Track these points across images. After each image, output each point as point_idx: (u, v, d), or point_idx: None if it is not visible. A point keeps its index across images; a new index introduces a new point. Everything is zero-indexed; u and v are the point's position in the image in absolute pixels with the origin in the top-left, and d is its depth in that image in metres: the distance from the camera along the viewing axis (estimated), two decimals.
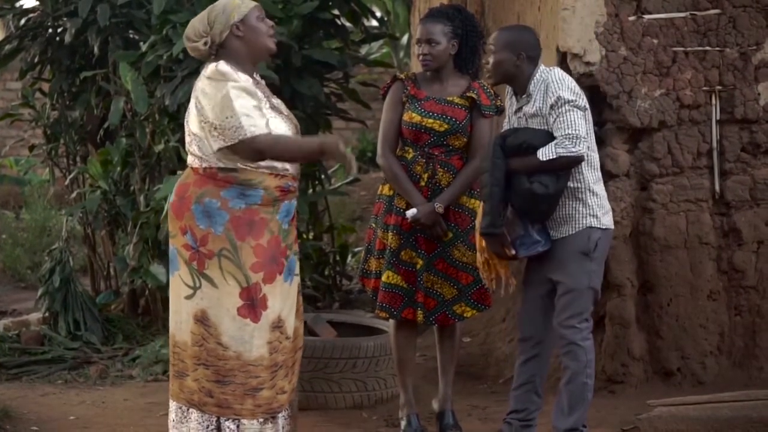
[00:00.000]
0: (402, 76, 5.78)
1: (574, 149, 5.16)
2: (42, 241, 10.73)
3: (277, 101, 5.09)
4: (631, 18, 6.42)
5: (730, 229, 6.56)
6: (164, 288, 7.42)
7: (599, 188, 5.35)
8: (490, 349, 7.21)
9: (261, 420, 4.93)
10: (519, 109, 5.38)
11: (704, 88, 6.51)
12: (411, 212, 5.57)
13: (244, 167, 4.87)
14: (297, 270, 5.10)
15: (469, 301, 5.71)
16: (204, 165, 4.90)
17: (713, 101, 6.51)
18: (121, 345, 7.59)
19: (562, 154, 5.16)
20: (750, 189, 6.56)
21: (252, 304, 4.89)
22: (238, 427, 4.91)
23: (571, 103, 5.21)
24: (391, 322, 5.83)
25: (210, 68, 4.90)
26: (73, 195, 8.36)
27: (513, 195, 5.23)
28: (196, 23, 5.01)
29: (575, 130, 5.17)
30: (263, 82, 5.18)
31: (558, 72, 5.33)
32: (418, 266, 5.65)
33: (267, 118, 4.89)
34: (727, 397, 5.79)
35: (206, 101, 4.86)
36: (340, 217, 10.46)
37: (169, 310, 5.01)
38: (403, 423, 5.85)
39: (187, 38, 5.03)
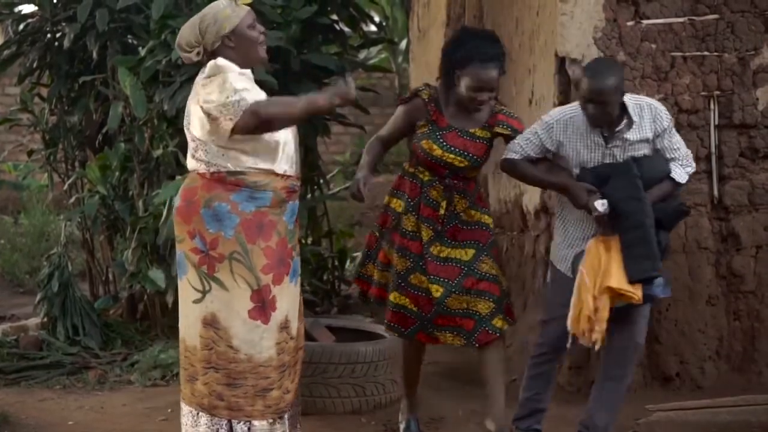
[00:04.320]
0: (425, 96, 5.52)
1: (693, 164, 5.34)
2: (40, 246, 10.72)
3: None
4: (630, 23, 6.43)
5: (728, 233, 6.57)
6: (163, 293, 7.42)
7: None
8: None
9: (270, 420, 4.96)
10: (615, 137, 5.20)
11: (703, 93, 6.51)
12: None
13: (253, 169, 4.88)
14: (300, 270, 5.12)
15: (502, 313, 5.51)
16: (212, 170, 4.89)
17: (712, 106, 6.52)
18: (119, 350, 7.58)
19: (689, 172, 5.32)
20: (748, 194, 6.56)
21: (263, 306, 4.90)
22: (249, 429, 4.93)
23: (672, 124, 5.32)
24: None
25: (209, 65, 4.89)
26: (72, 200, 8.35)
27: (662, 221, 5.18)
28: (187, 33, 4.95)
29: (687, 148, 5.32)
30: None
31: (651, 99, 5.39)
32: (438, 294, 5.46)
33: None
34: (726, 402, 5.80)
35: (208, 90, 4.84)
36: (338, 222, 10.46)
37: (179, 315, 5.01)
38: (402, 426, 5.85)
39: (179, 47, 5.00)
